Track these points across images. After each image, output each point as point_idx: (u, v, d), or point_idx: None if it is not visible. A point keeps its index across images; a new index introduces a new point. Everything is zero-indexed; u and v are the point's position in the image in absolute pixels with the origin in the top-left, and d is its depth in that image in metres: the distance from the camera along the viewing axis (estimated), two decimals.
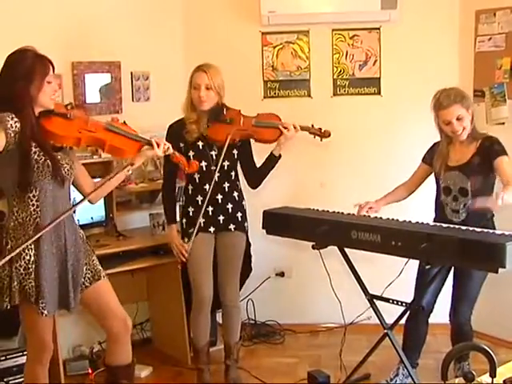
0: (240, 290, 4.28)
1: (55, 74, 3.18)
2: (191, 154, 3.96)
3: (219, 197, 4.02)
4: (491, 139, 3.76)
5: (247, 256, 4.24)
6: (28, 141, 3.00)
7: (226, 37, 5.01)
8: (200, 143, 3.98)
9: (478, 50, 4.74)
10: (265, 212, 3.94)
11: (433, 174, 3.96)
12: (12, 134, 2.96)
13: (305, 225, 3.78)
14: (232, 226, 4.08)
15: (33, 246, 3.06)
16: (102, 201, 4.39)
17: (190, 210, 4.04)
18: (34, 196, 3.09)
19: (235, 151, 4.04)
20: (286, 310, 5.19)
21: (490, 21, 4.66)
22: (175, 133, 4.00)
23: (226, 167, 4.01)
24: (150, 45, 4.89)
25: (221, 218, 4.05)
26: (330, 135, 3.97)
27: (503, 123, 4.66)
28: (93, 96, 4.65)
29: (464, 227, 3.47)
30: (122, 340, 3.39)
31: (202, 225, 4.01)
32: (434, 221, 3.87)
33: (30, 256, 3.08)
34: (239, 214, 4.10)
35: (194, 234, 3.88)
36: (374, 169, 4.97)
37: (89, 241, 4.24)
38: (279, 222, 3.91)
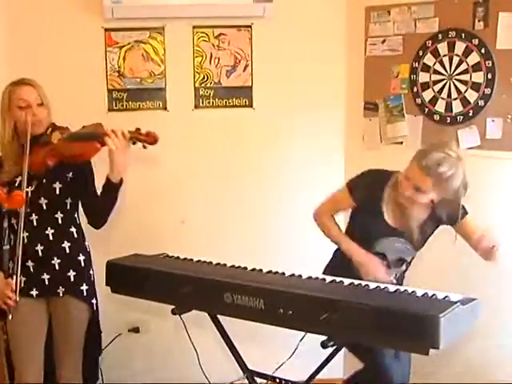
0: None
1: None
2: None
3: (39, 248, 3.25)
4: (448, 201, 3.13)
5: (94, 331, 3.46)
6: None
7: (59, 34, 4.32)
8: (18, 179, 3.21)
9: (370, 54, 4.29)
10: (109, 263, 3.18)
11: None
12: None
13: (162, 283, 3.03)
14: (61, 290, 3.29)
15: None
16: None
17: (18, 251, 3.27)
18: None
19: (58, 184, 3.24)
20: (141, 372, 4.58)
21: (383, 19, 4.21)
22: None
23: (44, 206, 3.21)
24: None
25: (45, 276, 3.26)
26: (156, 141, 3.09)
27: (401, 142, 4.20)
28: None
29: (378, 285, 2.80)
30: None
31: (23, 284, 3.24)
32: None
33: None
34: (72, 273, 3.31)
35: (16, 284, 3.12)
36: (246, 196, 4.44)
37: None
38: (128, 278, 3.14)
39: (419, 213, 3.13)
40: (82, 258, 3.35)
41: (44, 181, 3.19)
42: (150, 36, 4.38)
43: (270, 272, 3.00)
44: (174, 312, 3.05)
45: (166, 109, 4.42)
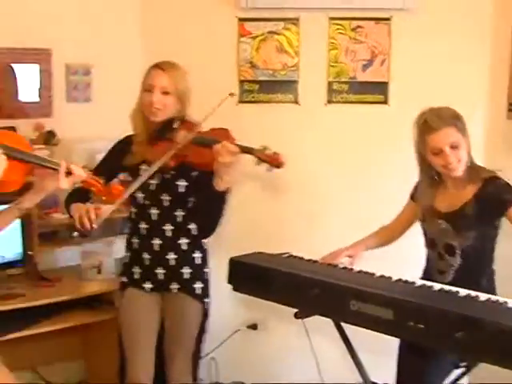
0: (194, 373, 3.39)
1: None
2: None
3: (156, 242, 3.18)
4: (496, 183, 2.95)
5: (200, 331, 3.30)
6: None
7: (193, 23, 4.31)
8: (143, 167, 3.13)
9: None
10: (232, 260, 3.04)
11: None
12: None
13: (286, 284, 2.88)
14: (175, 286, 3.21)
15: None
16: (17, 233, 3.68)
17: (135, 241, 3.25)
18: None
19: (183, 182, 3.14)
20: (258, 369, 4.44)
21: None
22: (119, 150, 3.23)
23: (165, 202, 3.15)
24: (94, 29, 4.15)
25: (159, 271, 3.20)
26: (282, 165, 2.88)
27: None
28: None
29: None
30: None
31: (138, 276, 3.23)
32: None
33: None
34: (186, 271, 3.22)
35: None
36: (377, 197, 4.27)
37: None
38: (251, 277, 3.01)
39: (459, 193, 2.98)
40: (198, 255, 3.25)
41: (168, 176, 3.10)
42: (284, 27, 4.27)
43: (399, 280, 2.79)
44: (297, 316, 2.93)
45: (297, 103, 4.30)
